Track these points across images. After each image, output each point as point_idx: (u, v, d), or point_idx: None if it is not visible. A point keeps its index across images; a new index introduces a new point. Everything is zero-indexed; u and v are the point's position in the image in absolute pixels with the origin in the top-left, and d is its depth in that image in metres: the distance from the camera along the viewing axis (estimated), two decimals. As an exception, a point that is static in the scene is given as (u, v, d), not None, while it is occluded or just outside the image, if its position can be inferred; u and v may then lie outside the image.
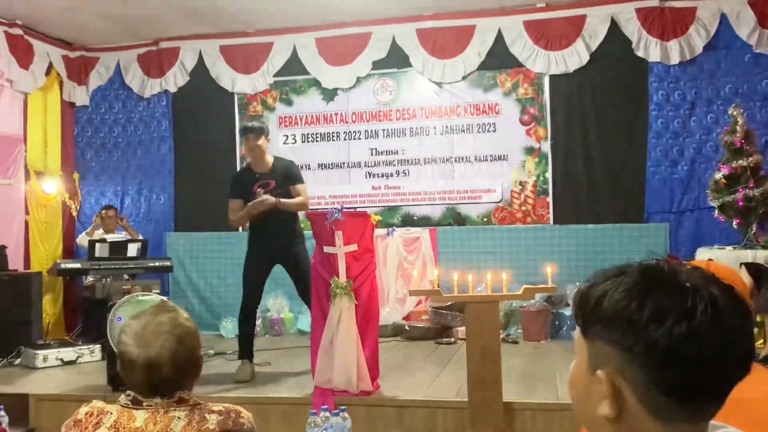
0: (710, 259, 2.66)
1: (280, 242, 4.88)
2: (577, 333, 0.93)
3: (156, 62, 7.58)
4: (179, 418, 1.69)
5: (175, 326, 1.72)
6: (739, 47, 6.38)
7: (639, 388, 0.85)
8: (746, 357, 0.85)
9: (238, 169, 6.91)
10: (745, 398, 1.20)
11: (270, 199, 4.74)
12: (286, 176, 4.90)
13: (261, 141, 4.82)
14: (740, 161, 5.78)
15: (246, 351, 4.95)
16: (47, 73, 7.37)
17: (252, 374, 4.86)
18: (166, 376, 1.68)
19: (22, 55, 6.94)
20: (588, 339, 0.90)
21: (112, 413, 1.70)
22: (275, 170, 4.90)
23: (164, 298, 4.40)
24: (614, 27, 6.64)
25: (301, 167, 5.79)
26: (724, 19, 6.42)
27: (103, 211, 7.11)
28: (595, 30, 6.68)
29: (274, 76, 7.42)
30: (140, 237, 6.82)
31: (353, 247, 4.23)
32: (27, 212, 7.11)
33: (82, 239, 6.99)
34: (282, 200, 4.76)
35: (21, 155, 7.05)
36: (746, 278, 4.74)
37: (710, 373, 0.83)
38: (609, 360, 0.87)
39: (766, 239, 5.56)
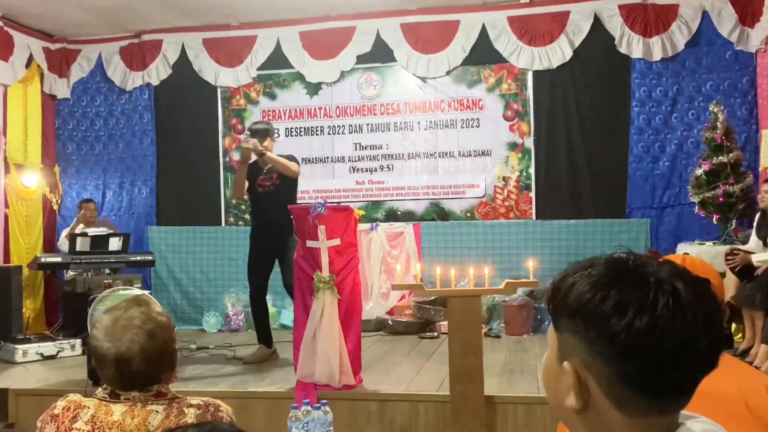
0: (686, 254, 2.68)
1: (277, 239, 5.09)
2: (550, 325, 0.94)
3: (138, 55, 7.51)
4: (157, 411, 1.68)
5: (146, 320, 1.71)
6: (721, 44, 6.44)
7: (603, 380, 0.85)
8: (712, 351, 0.84)
9: (221, 162, 7.43)
10: (719, 392, 1.21)
11: (255, 141, 4.96)
12: None
13: (267, 142, 5.08)
14: (720, 157, 5.84)
15: (260, 337, 5.29)
16: (27, 65, 7.27)
17: (260, 357, 5.16)
18: (137, 371, 1.67)
19: (2, 46, 6.85)
20: (557, 330, 0.90)
21: (89, 407, 1.69)
22: None
23: (146, 292, 4.37)
24: (597, 23, 6.68)
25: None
26: (705, 16, 6.48)
27: (83, 205, 7.04)
28: (579, 26, 6.71)
29: (258, 69, 7.38)
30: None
31: (336, 242, 4.23)
32: (7, 206, 7.03)
33: (63, 243, 6.81)
34: (268, 153, 4.99)
35: (0, 148, 6.97)
36: (732, 280, 4.82)
37: (672, 366, 0.82)
38: (575, 352, 0.87)
39: (745, 234, 5.62)
